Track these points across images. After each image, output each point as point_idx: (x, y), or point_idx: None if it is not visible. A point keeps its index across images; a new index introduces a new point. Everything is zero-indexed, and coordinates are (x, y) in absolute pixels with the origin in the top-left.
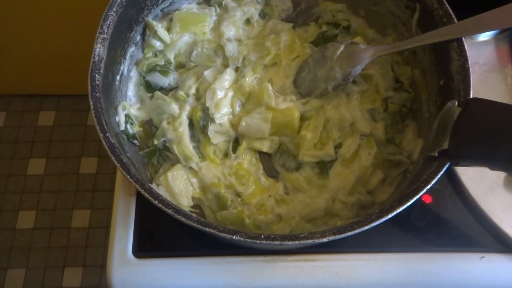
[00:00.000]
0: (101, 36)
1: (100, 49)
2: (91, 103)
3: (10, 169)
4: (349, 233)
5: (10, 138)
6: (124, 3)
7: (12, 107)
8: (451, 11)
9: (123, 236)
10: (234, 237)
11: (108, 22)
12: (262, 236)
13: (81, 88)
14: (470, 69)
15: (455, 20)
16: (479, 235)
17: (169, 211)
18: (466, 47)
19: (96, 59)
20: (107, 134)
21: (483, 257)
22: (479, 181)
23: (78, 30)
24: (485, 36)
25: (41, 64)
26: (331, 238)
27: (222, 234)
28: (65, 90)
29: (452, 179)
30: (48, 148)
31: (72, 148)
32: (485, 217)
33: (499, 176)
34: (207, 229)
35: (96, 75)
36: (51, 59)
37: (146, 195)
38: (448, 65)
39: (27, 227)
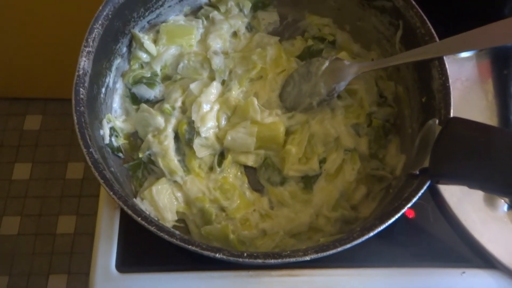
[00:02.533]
0: (86, 49)
1: (85, 63)
2: (75, 118)
3: None
4: (331, 251)
5: None
6: (110, 16)
7: None
8: (433, 30)
9: (106, 250)
10: (217, 255)
11: (94, 35)
12: (245, 254)
13: (68, 92)
14: (452, 86)
15: (437, 39)
16: (460, 250)
17: (152, 228)
18: (447, 66)
19: (81, 72)
20: (90, 149)
21: (463, 273)
22: (460, 196)
23: (66, 33)
24: (467, 53)
25: (28, 67)
26: (314, 256)
27: (205, 252)
28: (52, 94)
29: (434, 194)
30: (34, 153)
31: (58, 152)
32: (466, 232)
33: (479, 192)
34: (189, 246)
35: (81, 89)
36: (38, 62)
37: (129, 212)
38: (429, 83)
39: (11, 233)
